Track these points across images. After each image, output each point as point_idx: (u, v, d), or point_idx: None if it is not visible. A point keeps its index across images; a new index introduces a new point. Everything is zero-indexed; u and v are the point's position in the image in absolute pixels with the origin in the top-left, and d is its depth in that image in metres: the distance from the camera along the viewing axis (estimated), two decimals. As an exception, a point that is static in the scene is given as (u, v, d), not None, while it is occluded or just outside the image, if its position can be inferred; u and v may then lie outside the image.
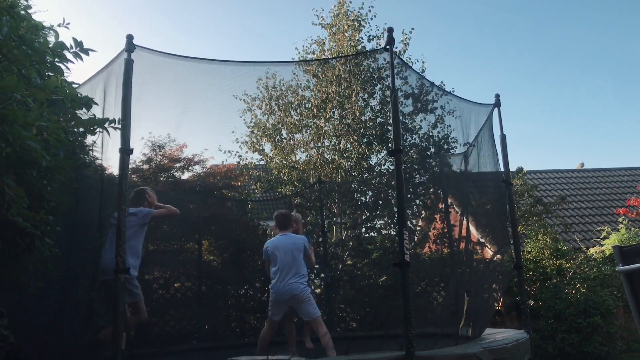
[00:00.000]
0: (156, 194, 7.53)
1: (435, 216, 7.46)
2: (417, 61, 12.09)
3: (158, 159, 8.77)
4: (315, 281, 7.72)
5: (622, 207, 12.52)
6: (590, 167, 16.47)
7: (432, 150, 8.57)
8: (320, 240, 7.68)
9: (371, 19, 10.72)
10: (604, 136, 45.11)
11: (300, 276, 4.51)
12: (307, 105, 9.67)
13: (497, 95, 5.75)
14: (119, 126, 3.38)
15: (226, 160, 9.54)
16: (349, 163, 9.39)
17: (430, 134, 8.72)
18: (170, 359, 5.66)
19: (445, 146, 8.37)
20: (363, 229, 9.00)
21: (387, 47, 4.21)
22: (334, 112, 9.61)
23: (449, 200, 6.64)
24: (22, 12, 3.14)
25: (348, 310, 7.31)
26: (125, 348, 3.98)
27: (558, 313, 8.69)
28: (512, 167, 8.08)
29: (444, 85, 9.10)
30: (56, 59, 2.94)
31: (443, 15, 46.04)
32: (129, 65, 3.57)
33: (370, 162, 9.56)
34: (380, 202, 8.68)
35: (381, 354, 3.80)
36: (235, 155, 9.63)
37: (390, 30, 4.21)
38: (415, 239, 7.92)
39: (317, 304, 7.44)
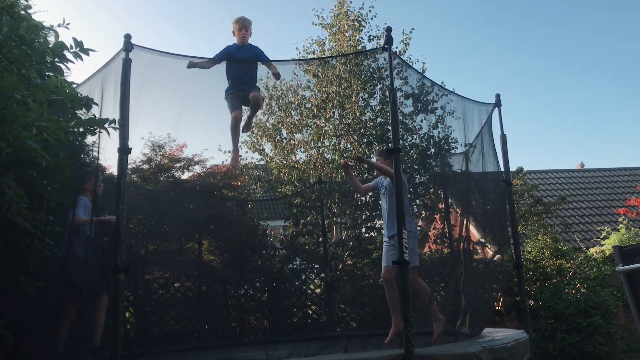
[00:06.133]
0: (156, 193, 7.59)
1: (435, 216, 7.46)
2: (418, 61, 12.07)
3: (158, 159, 8.77)
4: (316, 281, 7.73)
5: (622, 207, 12.52)
6: (590, 167, 16.50)
7: (433, 150, 8.57)
8: (320, 240, 7.67)
9: (371, 19, 10.72)
10: (604, 136, 45.11)
11: None
12: (307, 105, 9.67)
13: (498, 95, 5.74)
14: (119, 126, 3.38)
15: (226, 160, 9.53)
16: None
17: (431, 134, 8.73)
18: (170, 359, 5.66)
19: (446, 146, 8.37)
20: (363, 229, 9.00)
21: (386, 46, 4.20)
22: (334, 112, 9.61)
23: (449, 200, 6.64)
24: (22, 12, 3.15)
25: (348, 310, 7.31)
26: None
27: (558, 313, 8.69)
28: (512, 167, 8.07)
29: (444, 84, 9.11)
30: (56, 59, 2.95)
31: (443, 15, 46.06)
32: (126, 64, 3.56)
33: (371, 162, 9.55)
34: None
35: (381, 352, 3.80)
36: (235, 155, 9.62)
37: (388, 30, 4.20)
38: (415, 239, 7.91)
39: (316, 303, 7.54)
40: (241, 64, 4.72)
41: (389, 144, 7.16)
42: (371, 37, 10.54)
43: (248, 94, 4.65)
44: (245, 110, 4.86)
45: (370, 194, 5.40)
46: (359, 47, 10.28)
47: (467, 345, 4.07)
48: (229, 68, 4.71)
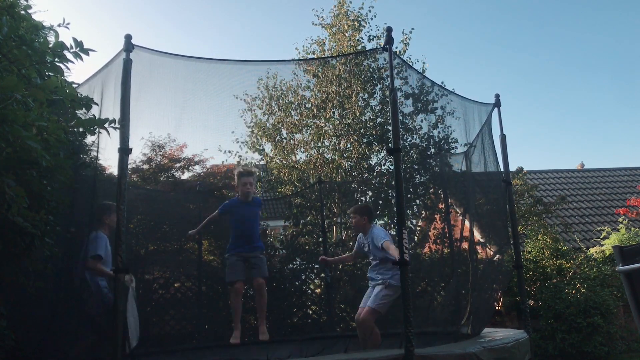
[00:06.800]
0: (156, 194, 7.59)
1: (436, 216, 7.46)
2: (418, 61, 12.07)
3: (158, 159, 8.78)
4: (316, 281, 7.73)
5: (622, 207, 12.52)
6: (590, 167, 16.50)
7: (433, 150, 8.56)
8: (320, 240, 7.67)
9: (371, 19, 10.73)
10: (604, 136, 45.13)
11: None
12: (307, 105, 9.67)
13: (497, 95, 5.74)
14: (119, 126, 3.38)
15: (226, 160, 9.53)
16: (349, 163, 9.39)
17: (431, 134, 8.73)
18: (170, 359, 5.66)
19: (446, 146, 8.37)
20: (363, 229, 8.98)
21: (386, 46, 4.20)
22: (334, 112, 9.61)
23: (449, 200, 6.64)
24: (22, 12, 3.15)
25: (348, 310, 7.31)
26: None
27: (558, 313, 8.69)
28: (512, 167, 8.08)
29: (444, 84, 9.12)
30: (56, 59, 2.95)
31: (443, 15, 46.07)
32: (127, 65, 3.56)
33: (371, 162, 9.55)
34: (380, 202, 8.67)
35: (380, 353, 3.80)
36: (235, 155, 9.61)
37: (389, 30, 4.20)
38: (415, 239, 7.91)
39: (316, 303, 7.53)
40: (245, 221, 4.50)
41: (389, 144, 7.18)
42: (371, 37, 10.55)
43: (251, 257, 4.53)
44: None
45: (365, 248, 5.34)
46: (359, 47, 10.28)
47: (467, 345, 4.07)
48: (232, 225, 4.58)
